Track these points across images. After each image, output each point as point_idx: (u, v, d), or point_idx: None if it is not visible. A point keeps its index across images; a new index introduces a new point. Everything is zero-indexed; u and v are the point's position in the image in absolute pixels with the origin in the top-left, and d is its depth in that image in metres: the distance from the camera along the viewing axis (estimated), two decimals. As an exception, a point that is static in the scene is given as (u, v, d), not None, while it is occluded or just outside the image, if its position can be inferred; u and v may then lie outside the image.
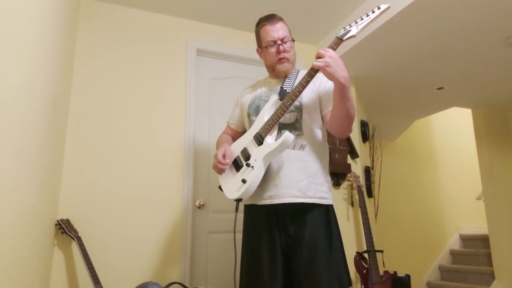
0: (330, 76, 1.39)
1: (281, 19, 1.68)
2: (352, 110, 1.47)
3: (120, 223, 2.26)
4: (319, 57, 1.41)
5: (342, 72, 1.38)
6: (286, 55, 1.64)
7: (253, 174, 1.49)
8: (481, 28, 2.45)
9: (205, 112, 2.72)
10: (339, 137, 1.84)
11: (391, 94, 3.64)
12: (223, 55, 2.84)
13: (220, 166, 1.61)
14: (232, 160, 1.63)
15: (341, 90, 1.41)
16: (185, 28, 2.75)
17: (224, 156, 1.61)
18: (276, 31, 1.63)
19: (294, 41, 1.69)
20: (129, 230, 2.27)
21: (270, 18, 1.67)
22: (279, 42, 1.63)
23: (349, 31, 1.47)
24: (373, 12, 1.47)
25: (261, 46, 1.71)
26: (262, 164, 1.50)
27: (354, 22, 1.49)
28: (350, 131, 1.58)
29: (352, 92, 3.25)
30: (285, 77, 1.68)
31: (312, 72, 1.45)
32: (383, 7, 1.46)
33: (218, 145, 1.82)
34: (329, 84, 1.64)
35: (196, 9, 2.65)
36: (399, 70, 3.10)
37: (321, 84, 1.65)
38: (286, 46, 1.64)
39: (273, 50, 1.65)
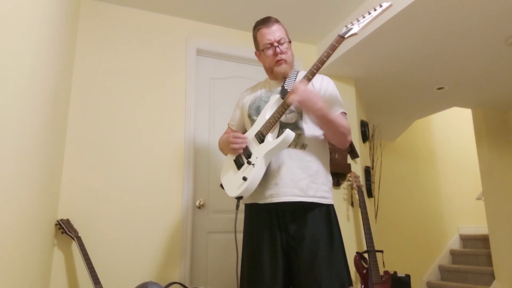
0: (306, 111, 1.50)
1: (277, 21, 1.69)
2: (341, 128, 1.54)
3: (120, 223, 2.26)
4: (293, 90, 1.46)
5: (316, 105, 1.46)
6: (283, 56, 1.65)
7: (254, 172, 1.49)
8: (481, 28, 2.45)
9: (205, 112, 2.72)
10: (339, 147, 1.89)
11: (391, 94, 3.64)
12: (223, 55, 2.84)
13: (239, 140, 1.59)
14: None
15: (321, 120, 1.51)
16: (185, 28, 2.75)
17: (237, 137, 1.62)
18: (272, 33, 1.64)
19: (291, 42, 1.69)
20: (129, 230, 2.27)
21: (265, 21, 1.68)
22: (276, 44, 1.64)
23: (351, 29, 1.48)
24: (375, 10, 1.47)
25: (259, 49, 1.72)
26: (263, 162, 1.50)
27: (356, 20, 1.50)
28: (348, 142, 1.62)
29: (352, 92, 3.25)
30: (284, 78, 1.68)
31: (286, 106, 1.49)
32: (385, 5, 1.46)
33: (221, 144, 1.83)
34: (330, 90, 1.66)
35: (196, 9, 2.65)
36: (399, 70, 3.10)
37: (321, 89, 1.66)
38: (283, 47, 1.65)
39: (270, 52, 1.66)
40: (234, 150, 1.63)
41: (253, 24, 1.74)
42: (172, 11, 2.67)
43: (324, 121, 1.52)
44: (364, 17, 1.49)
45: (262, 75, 1.84)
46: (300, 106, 1.49)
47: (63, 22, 1.91)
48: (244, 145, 1.60)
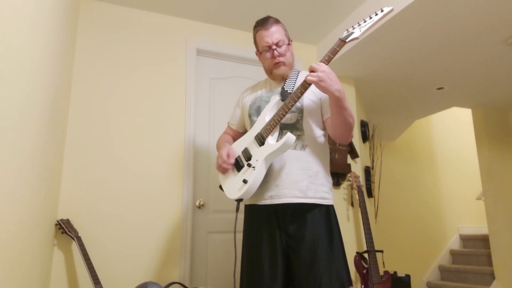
0: (324, 90, 1.43)
1: (276, 22, 1.67)
2: (350, 118, 1.51)
3: (120, 223, 2.26)
4: (312, 70, 1.43)
5: (335, 85, 1.41)
6: (281, 59, 1.64)
7: (254, 174, 1.49)
8: (481, 28, 2.45)
9: (205, 112, 2.72)
10: (341, 143, 1.87)
11: (391, 94, 3.64)
12: (223, 55, 2.84)
13: (224, 165, 1.62)
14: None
15: (336, 102, 1.46)
16: (185, 28, 2.75)
17: (228, 156, 1.62)
18: (270, 36, 1.63)
19: (290, 43, 1.69)
20: (129, 230, 2.27)
21: (264, 23, 1.66)
22: (274, 46, 1.63)
23: (352, 33, 1.48)
24: (376, 14, 1.47)
25: (258, 50, 1.72)
26: (264, 165, 1.50)
27: (357, 24, 1.49)
28: (351, 137, 1.60)
29: (352, 92, 3.25)
30: (283, 79, 1.68)
31: (306, 85, 1.47)
32: (386, 9, 1.45)
33: (218, 146, 1.82)
34: None
35: (196, 9, 2.65)
36: (399, 70, 3.10)
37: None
38: (281, 50, 1.64)
39: (268, 55, 1.66)
40: (219, 168, 1.66)
41: (253, 24, 1.74)
42: (172, 11, 2.67)
43: (339, 104, 1.46)
44: (365, 21, 1.48)
45: (262, 75, 1.84)
46: (319, 86, 1.42)
47: (63, 22, 1.90)
48: (229, 169, 1.63)
